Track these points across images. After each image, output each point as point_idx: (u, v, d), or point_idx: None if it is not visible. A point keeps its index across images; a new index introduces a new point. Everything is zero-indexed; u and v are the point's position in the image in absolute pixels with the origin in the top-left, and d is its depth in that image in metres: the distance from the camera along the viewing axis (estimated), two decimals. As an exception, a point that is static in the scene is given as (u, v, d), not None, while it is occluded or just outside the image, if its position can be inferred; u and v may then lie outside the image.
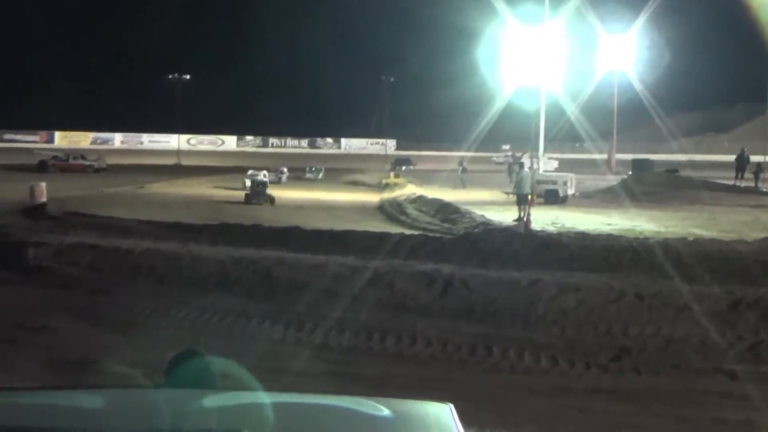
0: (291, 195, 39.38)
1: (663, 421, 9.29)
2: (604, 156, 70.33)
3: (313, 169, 57.58)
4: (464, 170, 50.14)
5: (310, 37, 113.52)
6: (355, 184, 48.34)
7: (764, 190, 41.95)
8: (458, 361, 11.35)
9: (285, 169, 52.59)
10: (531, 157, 38.64)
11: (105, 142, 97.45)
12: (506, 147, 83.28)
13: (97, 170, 57.13)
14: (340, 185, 46.31)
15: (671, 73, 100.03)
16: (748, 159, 48.71)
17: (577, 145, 79.68)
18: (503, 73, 52.66)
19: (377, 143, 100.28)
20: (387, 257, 16.26)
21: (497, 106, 52.28)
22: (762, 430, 9.01)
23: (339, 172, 53.84)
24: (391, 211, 32.18)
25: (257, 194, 35.69)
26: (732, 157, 49.99)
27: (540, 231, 23.64)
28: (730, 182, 45.84)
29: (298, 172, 55.43)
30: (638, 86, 72.19)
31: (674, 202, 35.50)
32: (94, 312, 13.28)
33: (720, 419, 9.33)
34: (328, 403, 3.30)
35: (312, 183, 50.83)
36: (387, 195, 38.79)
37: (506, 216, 28.03)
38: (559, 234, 22.34)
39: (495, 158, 74.22)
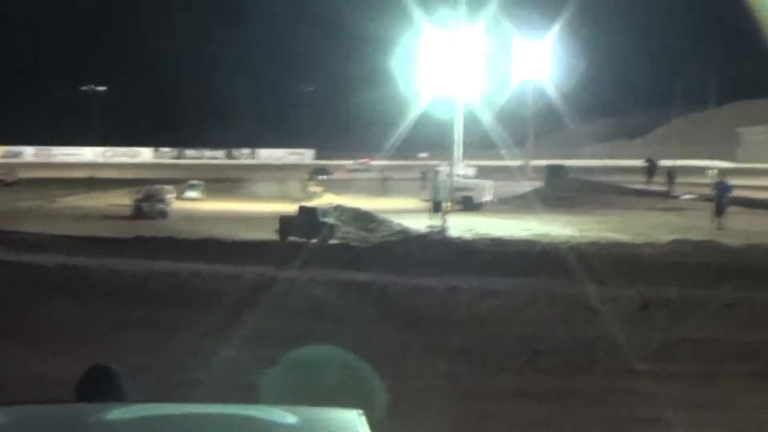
0: (206, 206, 39.03)
1: (577, 422, 9.45)
2: (520, 162, 71.30)
3: (193, 184, 46.58)
4: (385, 178, 50.33)
5: (226, 46, 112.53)
6: (271, 195, 47.59)
7: (676, 193, 42.95)
8: (375, 369, 11.37)
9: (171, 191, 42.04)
10: (448, 165, 39.02)
11: (16, 155, 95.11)
12: (424, 155, 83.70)
13: (9, 184, 55.67)
14: (256, 196, 45.78)
15: (585, 80, 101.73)
16: (656, 163, 50.00)
17: (493, 152, 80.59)
18: (421, 80, 53.03)
19: (295, 153, 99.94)
20: (304, 266, 16.23)
21: (414, 113, 52.63)
22: (672, 427, 9.22)
23: (250, 182, 52.58)
24: (309, 220, 32.10)
25: (146, 208, 34.35)
26: (642, 162, 51.30)
27: (457, 238, 23.86)
28: (642, 186, 46.92)
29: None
30: (553, 93, 73.39)
31: (588, 206, 36.16)
32: (6, 329, 12.95)
33: (632, 418, 9.53)
34: (234, 412, 3.30)
35: (229, 193, 49.50)
36: (305, 204, 38.67)
37: (423, 223, 28.22)
38: (476, 240, 22.60)
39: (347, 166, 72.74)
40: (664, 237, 23.46)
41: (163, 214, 34.03)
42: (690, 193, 42.38)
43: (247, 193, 46.71)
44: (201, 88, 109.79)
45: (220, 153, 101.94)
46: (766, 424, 9.53)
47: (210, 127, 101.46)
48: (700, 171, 56.80)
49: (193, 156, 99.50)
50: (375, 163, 63.89)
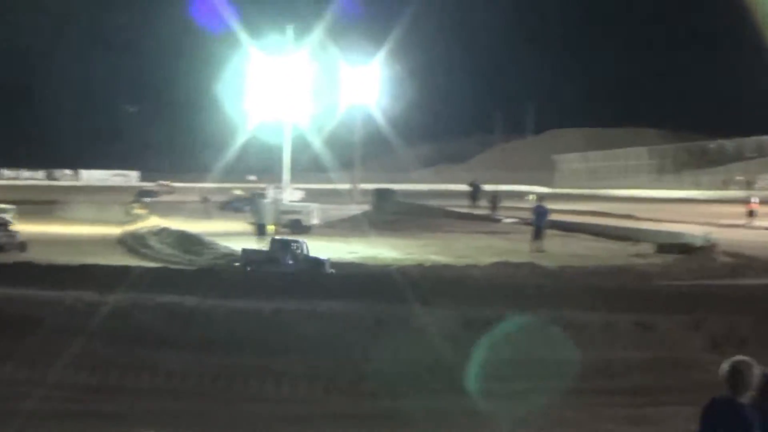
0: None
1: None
2: (349, 186, 71.97)
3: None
4: (207, 200, 49.60)
5: (47, 65, 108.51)
6: (92, 218, 45.77)
7: (499, 217, 44.32)
8: (200, 393, 11.19)
9: None
10: (276, 188, 38.93)
11: None
12: (252, 177, 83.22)
13: None
14: (75, 219, 44.01)
15: (411, 105, 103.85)
16: (480, 187, 51.58)
17: (322, 175, 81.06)
18: (249, 104, 52.75)
19: (120, 175, 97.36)
20: (127, 290, 15.75)
21: (243, 137, 52.30)
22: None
23: (70, 204, 50.34)
24: (132, 243, 31.23)
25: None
26: (466, 186, 52.84)
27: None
28: (466, 210, 48.24)
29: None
30: (380, 118, 74.52)
31: (414, 229, 36.76)
32: None
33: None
34: None
35: (47, 216, 47.11)
36: (128, 227, 37.61)
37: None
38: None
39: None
40: (487, 259, 24.16)
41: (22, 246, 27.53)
42: (511, 217, 43.90)
43: (66, 216, 45.00)
44: (17, 106, 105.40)
45: (40, 174, 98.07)
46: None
47: (30, 147, 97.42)
48: (521, 195, 59.07)
49: (10, 177, 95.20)
50: (196, 185, 62.96)
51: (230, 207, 47.43)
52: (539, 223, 29.59)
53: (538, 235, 29.06)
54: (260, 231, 28.60)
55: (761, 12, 60.87)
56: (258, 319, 13.68)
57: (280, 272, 20.58)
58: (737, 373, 4.98)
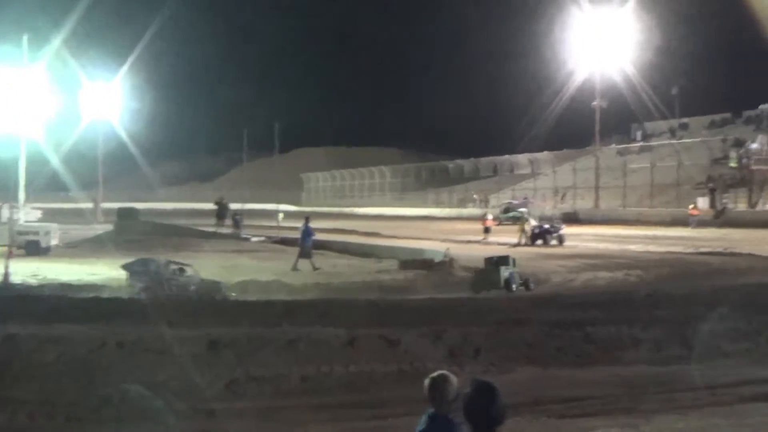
0: None
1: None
2: (91, 205, 69.34)
3: None
4: None
5: None
6: None
7: (245, 235, 44.23)
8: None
9: None
10: (10, 207, 36.84)
11: None
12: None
13: None
14: None
15: (156, 123, 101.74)
16: (226, 206, 51.28)
17: (62, 194, 77.56)
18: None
19: None
20: None
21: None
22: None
23: None
24: None
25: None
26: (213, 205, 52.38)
27: (20, 284, 22.56)
28: (213, 229, 47.79)
29: None
30: (123, 135, 72.49)
31: (161, 249, 35.91)
32: None
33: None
34: None
35: None
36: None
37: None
38: (41, 286, 21.52)
39: None
40: (234, 278, 24.05)
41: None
42: (259, 235, 43.96)
43: None
44: None
45: None
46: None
47: None
48: (270, 214, 59.21)
49: None
50: None
51: None
52: (305, 243, 29.83)
53: (303, 254, 29.26)
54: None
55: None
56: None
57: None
58: (435, 388, 5.14)
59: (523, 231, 40.62)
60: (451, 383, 5.18)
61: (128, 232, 41.42)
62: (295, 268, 28.34)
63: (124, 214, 48.32)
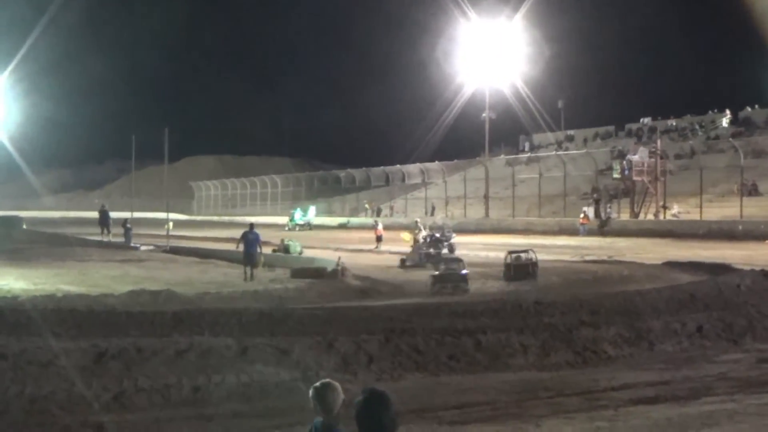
0: None
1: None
2: (-29, 213, 67.02)
3: None
4: None
5: None
6: None
7: (134, 245, 43.43)
8: None
9: None
10: None
11: None
12: None
13: None
14: None
15: (42, 129, 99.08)
16: (107, 213, 50.15)
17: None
18: None
19: None
20: None
21: None
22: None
23: None
24: None
25: None
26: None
27: None
28: (100, 238, 46.78)
29: None
30: (6, 141, 70.32)
31: (45, 258, 35.11)
32: None
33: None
34: None
35: None
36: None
37: None
38: None
39: None
40: (123, 288, 23.58)
41: None
42: (148, 244, 43.20)
43: None
44: None
45: None
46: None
47: None
48: (161, 223, 58.21)
49: None
50: None
51: None
52: (251, 249, 28.63)
53: (249, 261, 28.17)
54: None
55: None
56: None
57: None
58: (319, 397, 5.25)
59: (415, 240, 41.00)
60: (335, 391, 5.25)
61: (11, 241, 40.23)
62: (252, 278, 27.47)
63: (7, 222, 46.92)
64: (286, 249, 37.61)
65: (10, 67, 64.78)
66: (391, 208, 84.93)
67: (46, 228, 51.54)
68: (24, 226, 47.68)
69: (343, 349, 14.27)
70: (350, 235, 53.49)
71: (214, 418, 11.34)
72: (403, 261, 34.87)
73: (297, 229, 67.19)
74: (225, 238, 48.11)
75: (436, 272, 26.50)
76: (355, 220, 79.36)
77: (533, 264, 28.94)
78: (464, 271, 26.53)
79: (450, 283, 25.67)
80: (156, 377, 12.43)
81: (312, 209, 78.25)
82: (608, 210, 60.10)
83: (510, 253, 29.40)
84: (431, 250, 39.85)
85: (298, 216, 72.68)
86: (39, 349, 12.99)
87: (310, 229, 68.58)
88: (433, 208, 76.06)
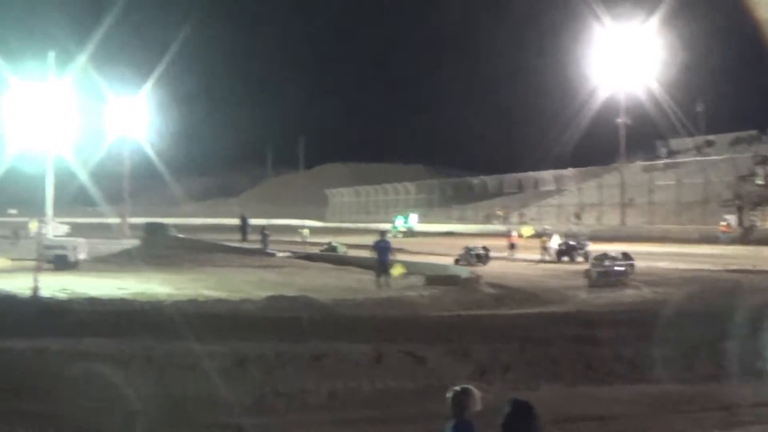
0: None
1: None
2: (118, 220, 69.84)
3: None
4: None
5: None
6: None
7: (270, 251, 44.36)
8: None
9: None
10: (39, 222, 37.20)
11: None
12: (13, 211, 79.07)
13: None
14: None
15: (182, 138, 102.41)
16: (248, 222, 51.45)
17: (90, 208, 78.22)
18: (8, 132, 50.01)
19: None
20: None
21: (1, 167, 49.47)
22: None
23: None
24: None
25: None
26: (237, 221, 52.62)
27: (49, 298, 22.70)
28: (238, 244, 47.99)
29: None
30: (149, 150, 72.98)
31: (187, 264, 36.22)
32: None
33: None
34: None
35: None
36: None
37: (13, 283, 26.43)
38: (70, 300, 21.66)
39: None
40: (259, 293, 24.10)
41: None
42: (284, 251, 44.06)
43: None
44: None
45: None
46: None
47: None
48: (295, 230, 59.39)
49: None
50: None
51: None
52: (383, 257, 28.90)
53: (382, 269, 28.40)
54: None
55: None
56: (19, 358, 12.95)
57: None
58: (457, 401, 5.41)
59: (545, 248, 40.57)
60: (473, 397, 5.32)
61: (155, 247, 41.68)
62: (386, 283, 27.54)
63: (151, 229, 48.63)
64: (332, 249, 43.49)
65: (153, 78, 67.22)
66: (521, 215, 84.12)
67: (188, 234, 53.17)
68: (173, 233, 49.24)
69: (479, 358, 14.19)
70: (483, 242, 53.12)
71: (350, 423, 11.45)
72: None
73: (400, 235, 67.33)
74: (356, 245, 48.56)
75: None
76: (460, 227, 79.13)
77: (619, 272, 28.61)
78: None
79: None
80: (294, 382, 12.64)
81: (413, 216, 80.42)
82: (752, 218, 57.83)
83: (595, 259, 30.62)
84: (565, 258, 39.23)
85: (400, 223, 74.33)
86: (183, 352, 13.42)
87: (413, 235, 69.02)
88: (578, 215, 74.58)
